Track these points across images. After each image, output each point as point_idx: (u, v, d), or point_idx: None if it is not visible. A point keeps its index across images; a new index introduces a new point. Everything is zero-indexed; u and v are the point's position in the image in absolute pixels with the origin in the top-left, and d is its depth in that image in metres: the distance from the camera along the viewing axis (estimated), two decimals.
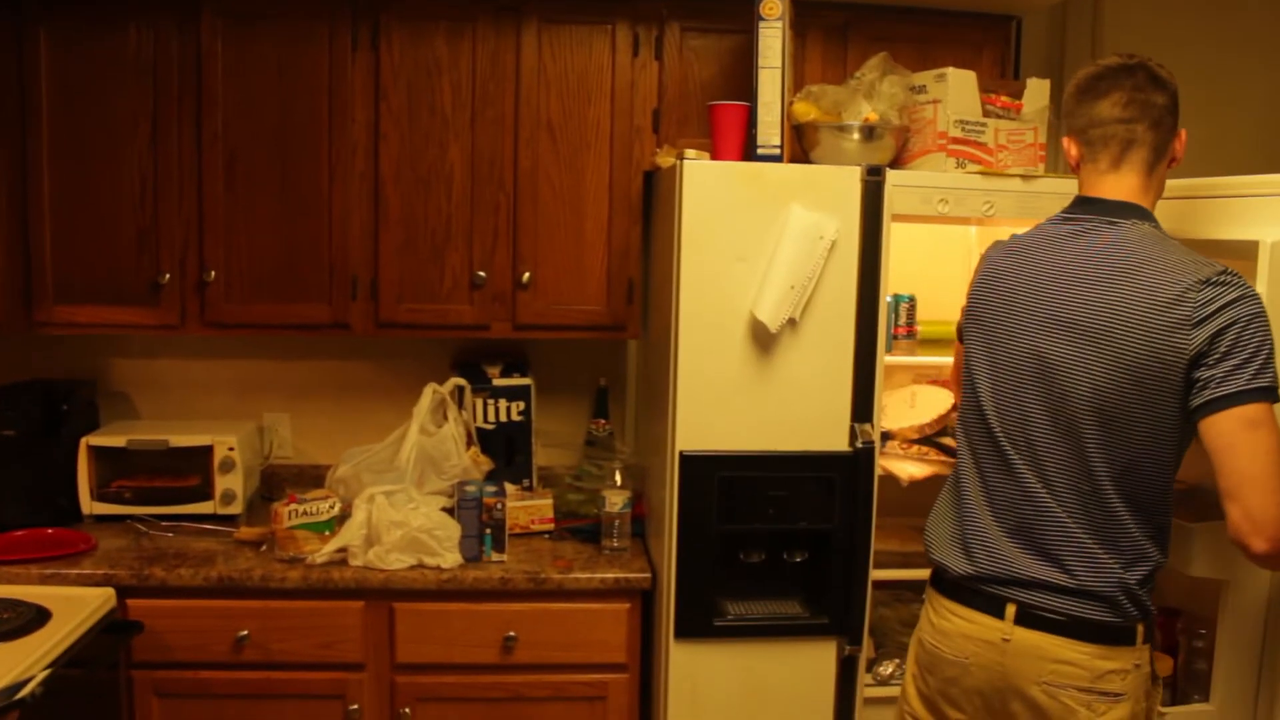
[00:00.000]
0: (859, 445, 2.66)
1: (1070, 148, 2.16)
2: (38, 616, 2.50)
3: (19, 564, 2.79)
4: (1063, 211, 2.15)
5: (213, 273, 3.07)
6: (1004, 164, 2.80)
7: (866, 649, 2.74)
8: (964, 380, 2.24)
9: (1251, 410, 1.83)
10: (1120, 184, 2.08)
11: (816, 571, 2.75)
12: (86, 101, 3.03)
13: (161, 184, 3.06)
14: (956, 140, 2.77)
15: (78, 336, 3.32)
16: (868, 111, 2.82)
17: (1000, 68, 3.23)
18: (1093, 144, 2.10)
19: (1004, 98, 2.83)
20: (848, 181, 2.64)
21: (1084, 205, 2.11)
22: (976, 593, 2.10)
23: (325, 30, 3.03)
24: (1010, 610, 2.04)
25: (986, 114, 2.80)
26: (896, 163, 2.83)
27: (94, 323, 3.10)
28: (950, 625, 2.14)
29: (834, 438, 2.67)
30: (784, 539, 2.78)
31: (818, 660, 2.73)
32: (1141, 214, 2.05)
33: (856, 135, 2.76)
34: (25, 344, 3.35)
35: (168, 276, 3.06)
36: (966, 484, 2.18)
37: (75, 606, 2.59)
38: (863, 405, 2.68)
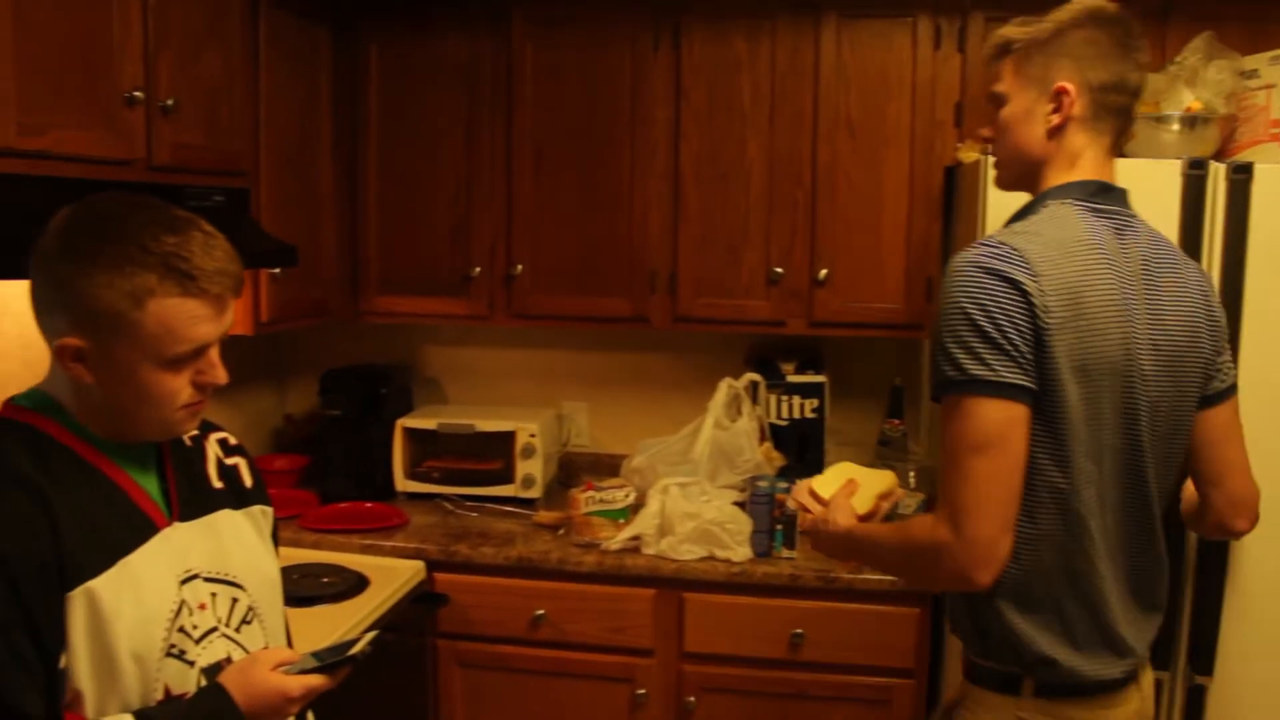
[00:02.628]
0: None
1: (1074, 103, 1.71)
2: (358, 583, 2.70)
3: (343, 534, 3.02)
4: (1083, 200, 1.71)
5: (519, 266, 3.21)
6: None
7: None
8: (1081, 432, 1.63)
9: (1236, 399, 1.84)
10: (1112, 169, 1.77)
11: None
12: (409, 106, 3.23)
13: (474, 182, 3.23)
14: None
15: (396, 325, 3.55)
16: (1189, 100, 2.64)
17: None
18: (1102, 111, 1.72)
19: None
20: (1166, 176, 2.48)
21: (1106, 195, 1.73)
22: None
23: (628, 32, 3.12)
24: (1147, 678, 1.83)
25: None
26: (1221, 154, 2.64)
27: (411, 312, 3.33)
28: (1114, 715, 1.74)
29: None
30: None
31: None
32: None
33: (1176, 126, 2.60)
34: (352, 331, 3.60)
35: (478, 269, 3.23)
36: (1081, 561, 1.68)
37: (390, 576, 2.78)
38: None
